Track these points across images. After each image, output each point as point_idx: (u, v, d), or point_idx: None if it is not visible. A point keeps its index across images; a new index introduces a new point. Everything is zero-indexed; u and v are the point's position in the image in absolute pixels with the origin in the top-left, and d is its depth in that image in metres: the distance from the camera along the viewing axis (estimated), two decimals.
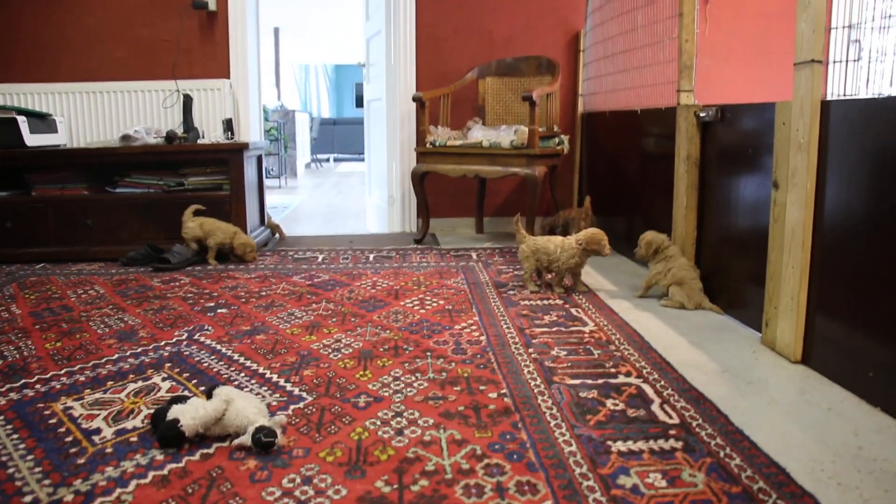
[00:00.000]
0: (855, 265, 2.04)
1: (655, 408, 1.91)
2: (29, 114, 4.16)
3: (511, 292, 3.15)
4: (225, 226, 3.93)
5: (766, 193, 2.49)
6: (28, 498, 1.49)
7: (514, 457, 1.63)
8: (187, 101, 4.44)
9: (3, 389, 2.09)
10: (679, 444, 1.69)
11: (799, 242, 2.23)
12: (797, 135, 2.23)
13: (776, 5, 4.82)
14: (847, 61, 2.31)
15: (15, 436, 1.78)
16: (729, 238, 2.83)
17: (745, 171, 2.68)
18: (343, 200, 7.39)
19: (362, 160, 14.06)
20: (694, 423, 1.81)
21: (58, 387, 2.11)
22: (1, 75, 4.70)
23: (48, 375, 2.20)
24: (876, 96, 1.99)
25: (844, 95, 2.28)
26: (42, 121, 4.23)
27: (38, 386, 2.12)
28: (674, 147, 3.16)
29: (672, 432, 1.76)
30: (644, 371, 2.18)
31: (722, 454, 1.64)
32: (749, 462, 1.60)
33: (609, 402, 1.94)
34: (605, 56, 4.38)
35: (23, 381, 2.16)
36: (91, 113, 4.69)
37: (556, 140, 4.32)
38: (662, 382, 2.09)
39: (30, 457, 1.67)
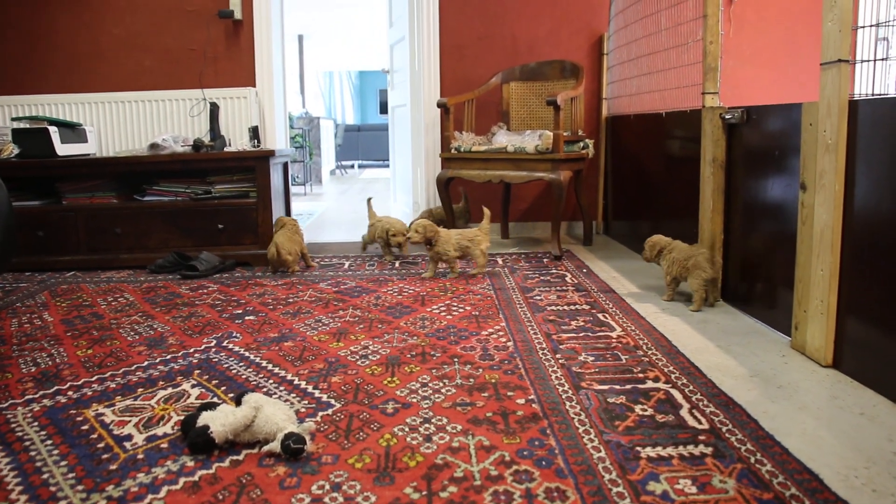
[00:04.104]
0: (886, 267, 2.01)
1: (684, 413, 1.90)
2: (59, 124, 4.23)
3: (538, 297, 3.14)
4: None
5: (793, 195, 2.47)
6: (62, 503, 1.51)
7: (543, 463, 1.63)
8: (214, 110, 4.48)
9: (37, 396, 2.12)
10: (709, 450, 1.68)
11: (828, 245, 2.21)
12: (825, 136, 2.21)
13: (801, 5, 4.79)
14: (875, 60, 2.29)
15: (49, 442, 1.81)
16: (756, 241, 2.80)
17: (772, 173, 2.66)
18: None
19: (387, 166, 14.13)
20: (723, 429, 1.79)
21: (89, 393, 2.14)
22: (33, 86, 4.79)
23: (80, 382, 2.23)
24: None
25: (873, 95, 2.25)
26: (72, 130, 4.29)
27: (70, 392, 2.14)
28: (699, 150, 3.14)
29: (701, 438, 1.75)
30: (672, 376, 2.17)
31: (752, 460, 1.62)
32: (781, 468, 1.58)
33: (637, 408, 1.93)
34: (629, 59, 4.37)
35: (56, 387, 2.19)
36: (120, 122, 4.75)
37: (581, 144, 4.32)
38: (691, 387, 2.08)
39: (63, 462, 1.69)
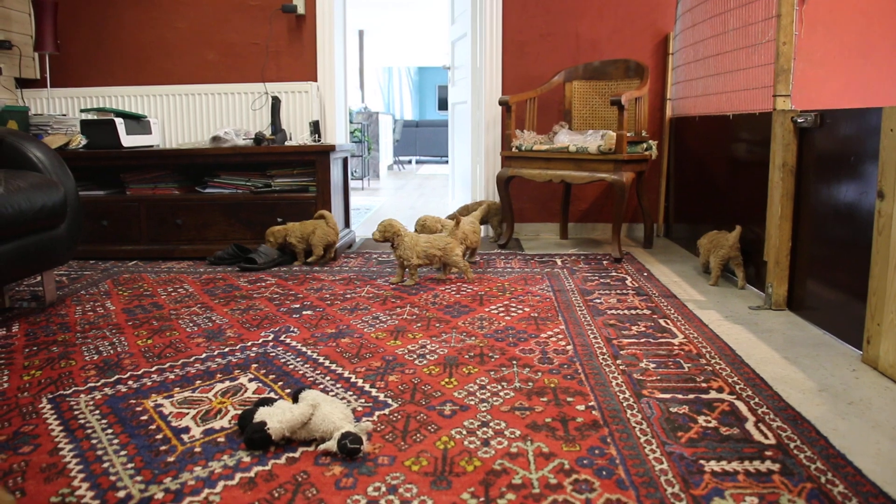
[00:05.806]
0: None
1: (750, 426, 1.84)
2: (125, 115, 4.30)
3: (597, 301, 3.09)
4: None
5: (868, 204, 2.37)
6: (122, 493, 1.52)
7: (604, 473, 1.59)
8: (275, 104, 4.51)
9: (99, 384, 2.15)
10: (776, 467, 1.62)
11: None
12: None
13: (876, 5, 4.62)
14: None
15: (109, 430, 1.83)
16: (826, 249, 2.71)
17: (846, 179, 2.56)
18: (426, 203, 7.41)
19: (444, 162, 14.13)
20: (791, 445, 1.72)
21: (149, 383, 2.16)
22: (100, 79, 4.88)
23: (140, 372, 2.26)
24: None
25: None
26: (137, 122, 4.37)
27: (130, 382, 2.17)
28: (768, 154, 3.05)
29: (768, 453, 1.68)
30: (737, 387, 2.10)
31: (823, 480, 1.56)
32: (854, 490, 1.51)
33: (701, 419, 1.88)
34: (696, 59, 4.27)
35: (116, 376, 2.22)
36: (183, 115, 4.82)
37: (644, 145, 4.23)
38: (756, 399, 2.01)
39: (123, 452, 1.71)
